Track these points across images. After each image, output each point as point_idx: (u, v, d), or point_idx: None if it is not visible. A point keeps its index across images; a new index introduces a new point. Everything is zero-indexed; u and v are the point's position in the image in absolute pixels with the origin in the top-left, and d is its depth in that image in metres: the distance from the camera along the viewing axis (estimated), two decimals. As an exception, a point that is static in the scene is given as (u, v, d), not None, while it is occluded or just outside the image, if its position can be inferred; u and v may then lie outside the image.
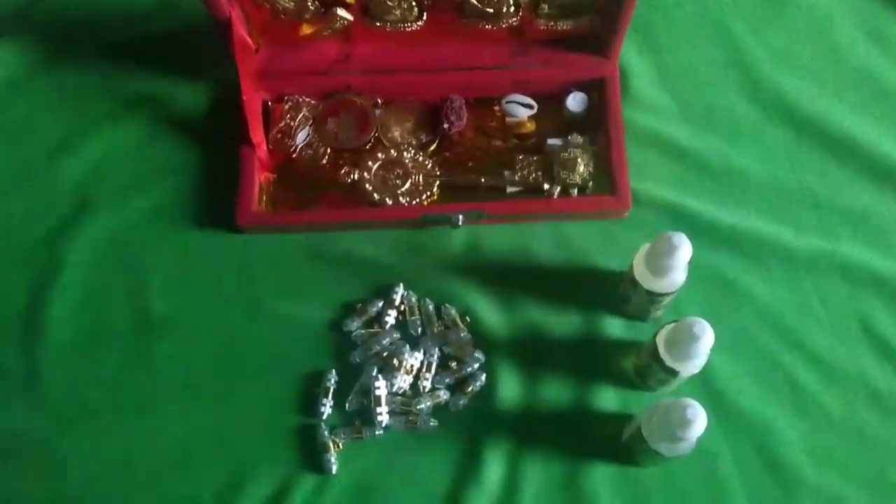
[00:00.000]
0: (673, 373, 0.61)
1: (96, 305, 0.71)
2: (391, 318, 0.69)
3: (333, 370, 0.68)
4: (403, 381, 0.67)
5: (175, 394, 0.68)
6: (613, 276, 0.70)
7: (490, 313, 0.70)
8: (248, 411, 0.67)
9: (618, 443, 0.66)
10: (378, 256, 0.71)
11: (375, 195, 0.72)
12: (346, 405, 0.67)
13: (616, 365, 0.68)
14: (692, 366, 0.60)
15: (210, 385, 0.68)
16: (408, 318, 0.70)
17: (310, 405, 0.68)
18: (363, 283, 0.71)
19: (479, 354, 0.68)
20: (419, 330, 0.69)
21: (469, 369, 0.68)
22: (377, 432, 0.66)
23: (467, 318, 0.69)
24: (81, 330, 0.70)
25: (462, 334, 0.68)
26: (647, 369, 0.64)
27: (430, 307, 0.70)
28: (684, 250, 0.58)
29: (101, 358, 0.69)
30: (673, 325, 0.59)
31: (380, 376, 0.67)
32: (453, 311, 0.69)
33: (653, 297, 0.63)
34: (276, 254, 0.72)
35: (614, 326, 0.69)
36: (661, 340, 0.60)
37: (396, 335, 0.69)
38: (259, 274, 0.71)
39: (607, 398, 0.67)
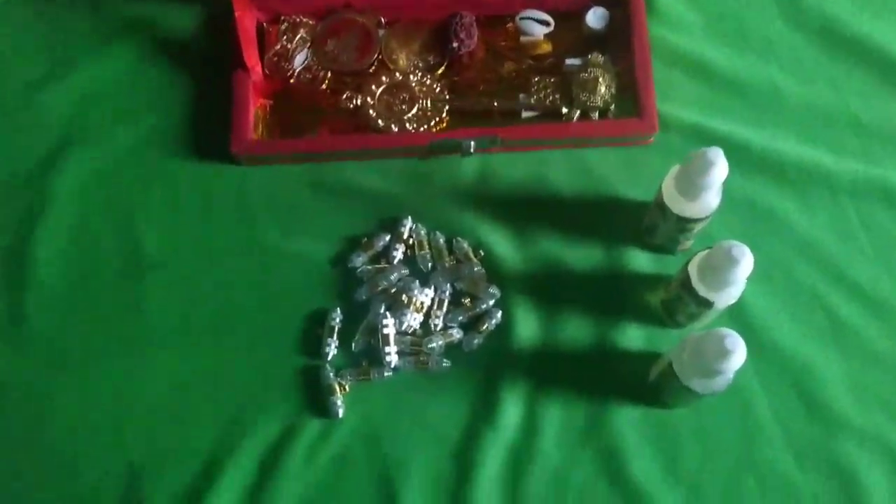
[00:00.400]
0: (706, 304, 0.56)
1: (84, 243, 0.66)
2: (399, 252, 0.64)
3: (338, 308, 0.63)
4: (413, 320, 0.62)
5: (169, 336, 0.64)
6: (637, 206, 0.65)
7: (505, 247, 0.65)
8: (248, 353, 0.63)
9: (644, 383, 0.61)
10: (384, 187, 0.66)
11: (380, 122, 0.67)
12: (353, 345, 0.63)
13: (641, 300, 0.64)
14: (728, 295, 0.55)
15: (206, 326, 0.64)
16: (416, 252, 0.65)
17: (313, 346, 0.63)
18: (368, 216, 0.66)
19: (494, 290, 0.63)
20: (429, 265, 0.65)
21: (483, 306, 0.63)
22: (386, 374, 0.62)
23: (481, 251, 0.64)
24: (69, 270, 0.65)
25: (475, 269, 0.64)
26: (677, 302, 0.59)
27: (441, 241, 0.65)
28: (720, 167, 0.53)
29: (90, 299, 0.65)
30: (707, 250, 0.54)
31: (388, 314, 0.62)
32: (465, 245, 0.64)
33: (683, 223, 0.58)
34: (275, 186, 0.67)
35: (639, 259, 0.64)
36: (693, 268, 0.55)
37: (405, 271, 0.64)
38: (257, 208, 0.67)
39: (632, 336, 0.63)
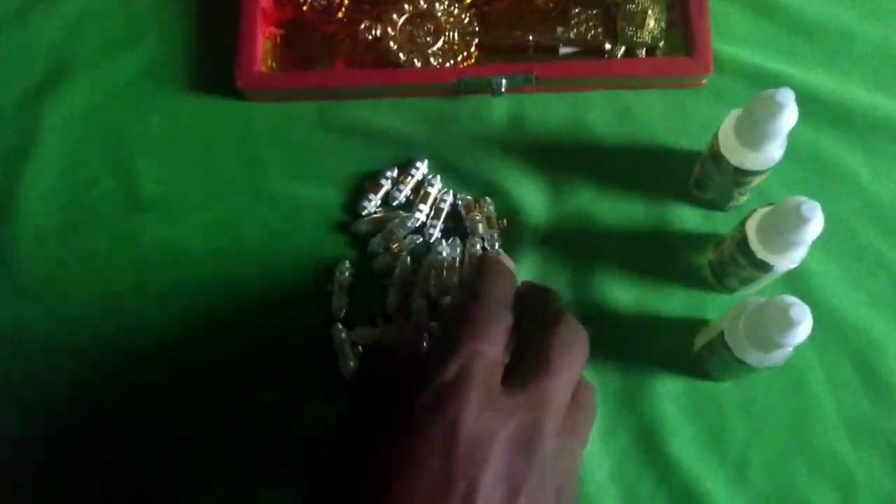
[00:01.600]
0: (765, 268, 0.49)
1: (77, 183, 0.61)
2: (401, 195, 0.58)
3: (347, 261, 0.58)
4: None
5: (166, 284, 0.58)
6: (686, 156, 0.59)
7: (536, 199, 0.59)
8: (248, 307, 0.57)
9: (687, 351, 0.55)
10: (403, 129, 0.60)
11: (401, 55, 0.60)
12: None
13: (687, 261, 0.57)
14: (790, 259, 0.49)
15: (206, 276, 0.58)
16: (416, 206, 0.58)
17: (323, 300, 0.57)
18: (385, 160, 0.60)
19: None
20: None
21: None
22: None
23: (504, 221, 0.58)
24: (61, 210, 0.60)
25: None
26: (729, 265, 0.53)
27: (447, 202, 0.58)
28: (790, 112, 0.46)
29: (83, 242, 0.59)
30: (769, 207, 0.48)
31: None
32: (491, 206, 0.58)
33: (741, 176, 0.52)
34: (284, 124, 0.61)
35: (686, 215, 0.58)
36: (752, 227, 0.49)
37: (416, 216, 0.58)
38: (264, 147, 0.60)
39: (675, 300, 0.57)
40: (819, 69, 0.60)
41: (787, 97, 0.46)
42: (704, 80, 0.59)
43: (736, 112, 0.50)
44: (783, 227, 0.46)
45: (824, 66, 0.60)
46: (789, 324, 0.43)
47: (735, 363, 0.49)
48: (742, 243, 0.50)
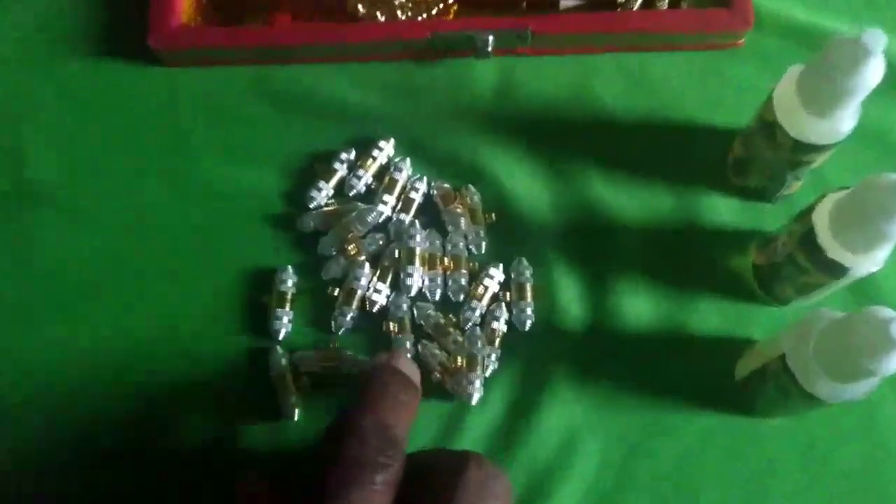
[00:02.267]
0: (838, 271, 0.38)
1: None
2: (361, 183, 0.47)
3: (289, 268, 0.46)
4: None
5: (68, 295, 0.46)
6: (719, 134, 0.48)
7: (532, 188, 0.48)
8: (172, 324, 0.46)
9: (725, 381, 0.44)
10: (363, 100, 0.49)
11: (360, 7, 0.48)
12: (333, 323, 0.45)
13: (723, 265, 0.46)
14: (872, 260, 0.37)
15: (117, 284, 0.47)
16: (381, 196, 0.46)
17: (261, 318, 0.45)
18: (339, 139, 0.48)
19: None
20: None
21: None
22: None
23: (492, 214, 0.47)
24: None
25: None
26: (787, 267, 0.41)
27: (418, 192, 0.47)
28: (877, 63, 0.35)
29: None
30: (845, 191, 0.36)
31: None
32: (475, 196, 0.47)
33: (801, 153, 0.40)
34: (212, 95, 0.50)
35: (721, 208, 0.47)
36: (821, 218, 0.38)
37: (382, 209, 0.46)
38: (187, 124, 0.49)
39: (709, 315, 0.46)
40: (879, 27, 0.49)
41: (877, 40, 0.34)
42: (742, 40, 0.48)
43: (797, 69, 0.39)
44: (871, 215, 0.34)
45: (885, 23, 0.50)
46: (889, 345, 0.32)
47: (799, 396, 0.37)
48: (807, 239, 0.38)
